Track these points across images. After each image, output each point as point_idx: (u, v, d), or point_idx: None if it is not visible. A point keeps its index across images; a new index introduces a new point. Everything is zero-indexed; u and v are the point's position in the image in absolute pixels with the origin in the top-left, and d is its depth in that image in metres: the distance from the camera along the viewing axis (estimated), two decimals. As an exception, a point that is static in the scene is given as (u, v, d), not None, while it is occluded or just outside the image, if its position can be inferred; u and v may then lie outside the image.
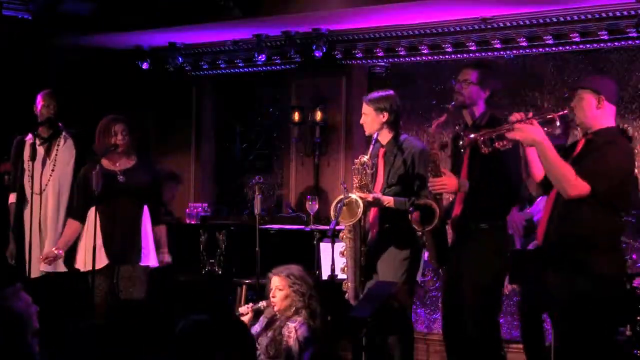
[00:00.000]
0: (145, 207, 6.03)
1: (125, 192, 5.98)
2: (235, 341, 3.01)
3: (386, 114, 5.53)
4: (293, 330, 5.15)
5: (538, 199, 5.90)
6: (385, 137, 5.58)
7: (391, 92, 5.66)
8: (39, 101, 6.52)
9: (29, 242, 6.27)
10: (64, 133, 6.50)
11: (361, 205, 5.36)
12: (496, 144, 4.48)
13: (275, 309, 5.23)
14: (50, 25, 7.70)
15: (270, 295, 5.25)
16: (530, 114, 4.42)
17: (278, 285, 5.23)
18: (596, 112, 4.40)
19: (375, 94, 5.62)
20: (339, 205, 5.40)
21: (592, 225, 4.33)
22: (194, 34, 7.86)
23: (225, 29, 7.62)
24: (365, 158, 5.48)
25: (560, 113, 4.43)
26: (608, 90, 4.46)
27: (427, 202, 5.14)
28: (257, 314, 5.33)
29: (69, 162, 6.45)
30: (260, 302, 5.30)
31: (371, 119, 5.55)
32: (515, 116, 4.39)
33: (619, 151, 4.41)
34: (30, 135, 6.48)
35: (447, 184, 5.02)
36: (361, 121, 5.63)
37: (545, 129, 4.36)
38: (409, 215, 5.25)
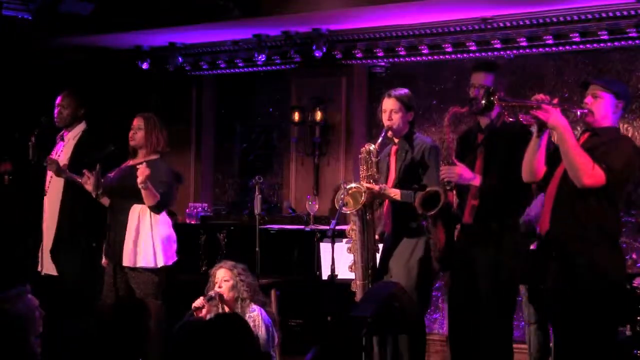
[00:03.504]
0: (146, 207, 5.95)
1: (116, 191, 5.95)
2: (238, 340, 3.00)
3: (412, 113, 5.53)
4: (256, 319, 5.23)
5: (535, 201, 5.89)
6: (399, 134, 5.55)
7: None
8: (56, 102, 6.54)
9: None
10: (73, 132, 6.50)
11: (364, 193, 5.33)
12: (520, 116, 4.46)
13: (225, 298, 5.31)
14: (50, 25, 7.70)
15: (217, 287, 5.33)
16: (556, 100, 4.43)
17: (224, 276, 5.33)
18: (611, 115, 4.45)
19: (402, 92, 5.53)
20: (341, 195, 5.37)
21: (599, 216, 4.34)
22: (194, 34, 7.86)
23: (225, 29, 7.62)
24: (372, 147, 5.43)
25: (583, 111, 4.44)
26: (627, 99, 4.55)
27: (433, 188, 5.11)
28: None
29: (66, 162, 6.43)
30: (210, 292, 5.34)
31: (401, 117, 5.47)
32: (541, 97, 4.40)
33: (629, 146, 4.46)
34: (58, 135, 6.52)
35: (458, 173, 4.96)
36: (388, 119, 5.46)
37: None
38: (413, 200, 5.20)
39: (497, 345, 4.94)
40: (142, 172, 5.68)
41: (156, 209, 5.89)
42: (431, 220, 5.08)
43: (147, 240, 5.88)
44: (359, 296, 5.41)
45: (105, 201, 6.09)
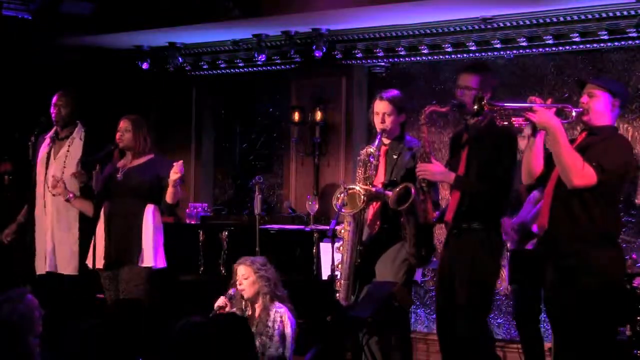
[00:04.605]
0: (149, 208, 6.00)
1: (122, 191, 5.98)
2: (237, 340, 3.01)
3: (404, 115, 5.53)
4: (284, 316, 5.28)
5: (526, 203, 5.90)
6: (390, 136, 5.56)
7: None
8: (53, 101, 6.55)
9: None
10: (75, 132, 6.50)
11: (363, 196, 5.34)
12: (512, 119, 4.48)
13: (245, 296, 5.35)
14: (50, 25, 7.70)
15: (238, 283, 5.37)
16: (549, 101, 4.45)
17: (244, 274, 5.37)
18: (609, 114, 4.46)
19: (394, 93, 5.53)
20: (340, 195, 5.38)
21: (597, 216, 4.35)
22: (194, 34, 7.86)
23: (225, 29, 7.62)
24: (372, 149, 5.44)
25: (578, 110, 4.45)
26: (624, 97, 4.56)
27: (404, 184, 5.13)
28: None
29: (75, 162, 6.43)
30: (230, 289, 5.39)
31: (393, 119, 5.49)
32: (534, 98, 4.41)
33: (624, 144, 4.48)
34: (48, 134, 6.52)
35: (432, 171, 5.00)
36: (381, 121, 5.47)
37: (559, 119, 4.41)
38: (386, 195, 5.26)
39: (475, 343, 4.94)
40: (179, 169, 5.75)
41: (174, 207, 6.06)
42: (404, 216, 5.12)
43: (157, 240, 5.97)
44: (342, 295, 5.46)
45: (79, 205, 6.17)
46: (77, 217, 6.35)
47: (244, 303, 5.39)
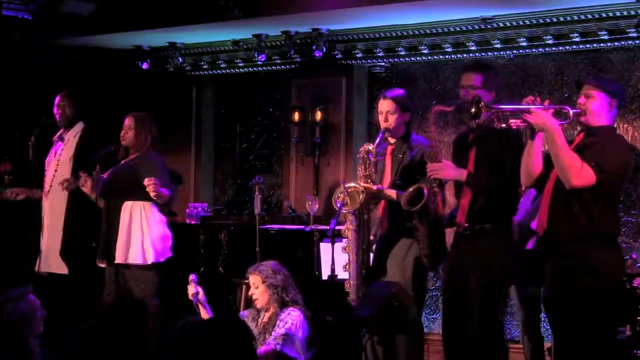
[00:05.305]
0: (127, 205, 5.98)
1: (107, 190, 6.00)
2: (236, 341, 3.01)
3: (408, 114, 5.53)
4: (296, 320, 5.26)
5: (521, 201, 5.90)
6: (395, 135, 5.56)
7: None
8: (55, 102, 6.56)
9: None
10: (71, 131, 6.51)
11: (362, 193, 5.34)
12: (510, 121, 4.48)
13: (259, 305, 5.36)
14: (50, 25, 7.70)
15: (250, 293, 5.40)
16: (547, 102, 4.46)
17: (254, 282, 5.39)
18: (606, 114, 4.46)
19: (397, 92, 5.53)
20: (340, 194, 5.38)
21: (596, 216, 4.35)
22: (194, 34, 7.87)
23: (225, 29, 7.62)
24: (371, 147, 5.43)
25: (576, 111, 4.45)
26: (621, 96, 4.56)
27: (417, 185, 5.13)
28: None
29: (68, 161, 6.45)
30: (191, 275, 5.46)
31: (397, 117, 5.48)
32: (531, 99, 4.42)
33: (622, 144, 4.51)
34: (56, 136, 6.54)
35: (443, 169, 5.00)
36: (385, 120, 5.46)
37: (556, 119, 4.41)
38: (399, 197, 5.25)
39: (487, 343, 4.93)
40: (153, 189, 5.78)
41: (166, 206, 6.08)
42: (417, 217, 5.11)
43: (138, 236, 5.93)
44: (352, 296, 5.42)
45: (101, 203, 6.14)
46: (63, 218, 6.37)
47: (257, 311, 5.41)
